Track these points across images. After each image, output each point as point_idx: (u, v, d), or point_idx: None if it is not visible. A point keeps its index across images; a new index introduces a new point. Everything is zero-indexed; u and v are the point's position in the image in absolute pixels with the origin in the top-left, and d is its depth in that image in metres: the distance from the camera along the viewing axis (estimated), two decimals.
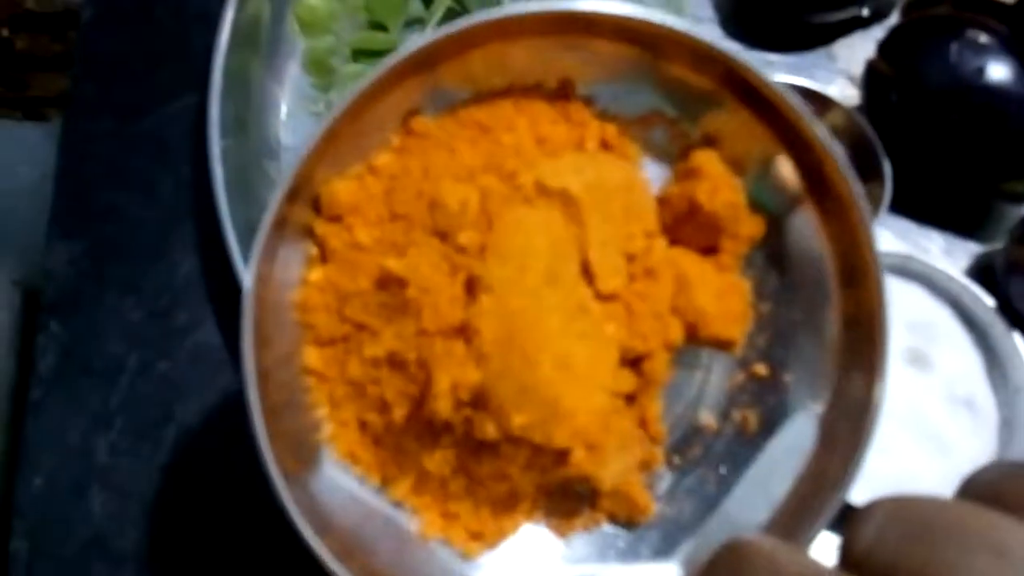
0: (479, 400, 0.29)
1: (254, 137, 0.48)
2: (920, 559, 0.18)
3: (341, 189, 0.31)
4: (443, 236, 0.30)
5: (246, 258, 0.43)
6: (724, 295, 0.33)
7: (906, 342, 0.45)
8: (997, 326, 0.44)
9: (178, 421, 0.44)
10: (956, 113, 0.45)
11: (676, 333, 0.32)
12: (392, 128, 0.32)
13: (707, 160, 0.32)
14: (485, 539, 0.33)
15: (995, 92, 0.44)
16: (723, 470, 0.34)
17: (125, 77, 0.51)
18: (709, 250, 0.34)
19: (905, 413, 0.44)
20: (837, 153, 0.30)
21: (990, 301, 0.44)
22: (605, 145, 0.33)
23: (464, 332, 0.29)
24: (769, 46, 0.53)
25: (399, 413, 0.31)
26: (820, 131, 0.30)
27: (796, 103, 0.30)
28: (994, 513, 0.18)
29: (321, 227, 0.31)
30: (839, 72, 0.53)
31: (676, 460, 0.35)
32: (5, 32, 0.97)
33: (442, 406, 0.29)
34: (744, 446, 0.34)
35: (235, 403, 0.44)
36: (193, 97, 0.50)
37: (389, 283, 0.30)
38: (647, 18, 0.30)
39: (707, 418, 0.35)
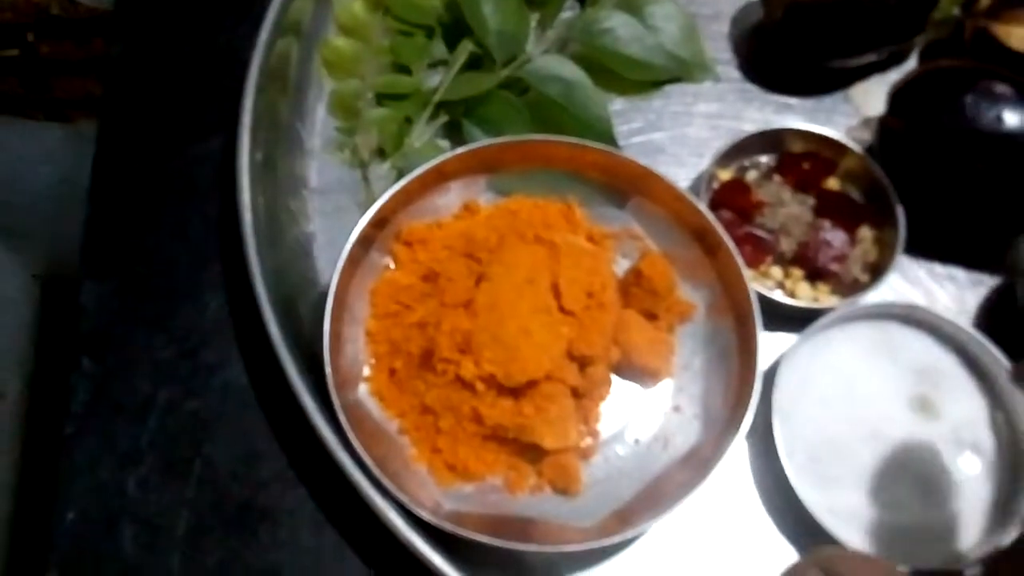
0: (466, 346, 0.42)
1: (282, 178, 0.49)
2: None
3: (419, 228, 0.47)
4: (470, 255, 0.45)
5: (272, 299, 0.45)
6: (655, 342, 0.46)
7: (913, 389, 0.46)
8: (1003, 373, 0.45)
9: (206, 457, 0.45)
10: (973, 161, 0.45)
11: (614, 354, 0.45)
12: (455, 204, 0.48)
13: (655, 258, 0.46)
14: (457, 474, 0.43)
15: (1013, 139, 0.45)
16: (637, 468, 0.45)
17: (154, 116, 0.52)
18: (651, 317, 0.46)
19: (911, 458, 0.45)
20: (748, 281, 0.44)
21: (996, 348, 0.45)
22: (591, 238, 0.48)
23: (468, 305, 0.43)
24: (787, 90, 0.54)
25: (416, 357, 0.43)
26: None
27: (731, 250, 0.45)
28: None
29: (398, 248, 0.47)
30: (856, 115, 0.54)
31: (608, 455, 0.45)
32: (30, 37, 0.98)
33: (444, 343, 0.42)
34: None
35: (261, 439, 0.45)
36: (221, 137, 0.51)
37: (431, 277, 0.45)
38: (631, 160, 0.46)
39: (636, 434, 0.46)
